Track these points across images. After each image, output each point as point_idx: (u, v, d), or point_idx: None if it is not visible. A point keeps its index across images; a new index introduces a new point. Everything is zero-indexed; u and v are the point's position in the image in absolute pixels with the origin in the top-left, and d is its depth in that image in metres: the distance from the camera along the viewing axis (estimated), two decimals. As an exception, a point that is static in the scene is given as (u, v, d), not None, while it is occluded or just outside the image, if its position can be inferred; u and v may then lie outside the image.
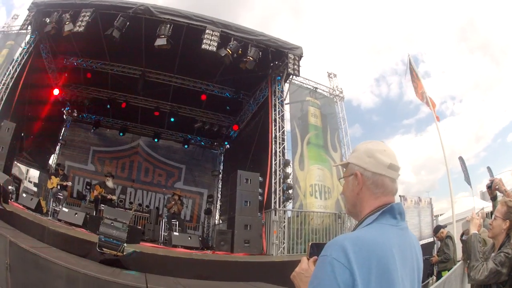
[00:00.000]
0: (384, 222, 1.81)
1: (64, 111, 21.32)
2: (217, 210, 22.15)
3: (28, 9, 13.74)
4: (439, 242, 11.39)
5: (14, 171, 15.70)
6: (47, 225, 8.13)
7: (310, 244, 2.02)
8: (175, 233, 12.45)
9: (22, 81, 14.00)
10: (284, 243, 11.88)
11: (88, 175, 21.18)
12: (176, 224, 14.20)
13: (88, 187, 19.34)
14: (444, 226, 11.31)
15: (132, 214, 15.82)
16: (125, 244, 6.80)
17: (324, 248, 1.69)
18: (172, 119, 19.88)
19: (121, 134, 21.57)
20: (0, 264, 5.32)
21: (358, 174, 1.94)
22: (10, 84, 13.49)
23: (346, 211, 2.06)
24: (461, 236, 6.73)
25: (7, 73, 13.66)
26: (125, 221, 7.35)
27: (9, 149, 12.19)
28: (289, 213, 12.70)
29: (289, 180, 12.97)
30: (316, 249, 1.96)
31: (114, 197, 14.57)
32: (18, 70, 13.74)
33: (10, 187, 8.33)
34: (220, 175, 22.70)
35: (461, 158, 21.41)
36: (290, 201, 12.79)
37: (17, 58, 13.99)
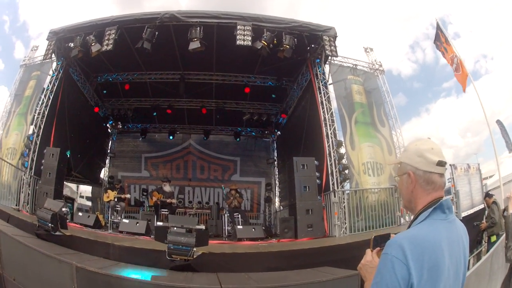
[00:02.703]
0: (435, 218, 2.02)
1: (108, 125, 21.83)
2: (277, 197, 22.16)
3: (47, 39, 13.93)
4: (487, 209, 11.63)
5: (66, 191, 16.09)
6: (111, 241, 8.33)
7: (373, 237, 2.23)
8: (239, 227, 12.65)
9: (58, 106, 14.37)
10: (345, 223, 11.85)
11: (144, 181, 21.75)
12: (238, 217, 14.24)
13: (145, 193, 19.76)
14: (492, 195, 11.60)
15: (195, 213, 16.11)
16: (194, 249, 6.93)
17: (386, 247, 1.95)
18: (218, 116, 20.08)
19: (170, 137, 21.87)
20: None
21: (411, 174, 2.14)
22: (46, 112, 13.80)
23: (402, 206, 2.24)
24: (503, 211, 6.69)
25: (40, 103, 13.93)
26: (192, 227, 7.52)
27: (57, 174, 12.53)
28: (347, 193, 12.68)
29: (344, 161, 12.91)
30: (379, 241, 2.19)
31: (174, 201, 14.81)
32: (51, 98, 14.03)
33: (64, 209, 8.56)
34: (275, 162, 22.64)
35: (499, 122, 20.79)
36: (347, 181, 12.76)
37: (48, 86, 14.25)
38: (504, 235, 6.47)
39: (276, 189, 22.32)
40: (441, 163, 2.11)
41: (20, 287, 6.10)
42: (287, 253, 8.66)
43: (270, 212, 22.16)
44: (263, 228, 14.05)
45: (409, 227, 2.14)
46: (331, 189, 12.36)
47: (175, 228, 7.37)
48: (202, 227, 10.74)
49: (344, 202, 12.13)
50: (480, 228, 11.32)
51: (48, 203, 8.50)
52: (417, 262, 1.83)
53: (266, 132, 22.74)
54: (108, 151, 22.17)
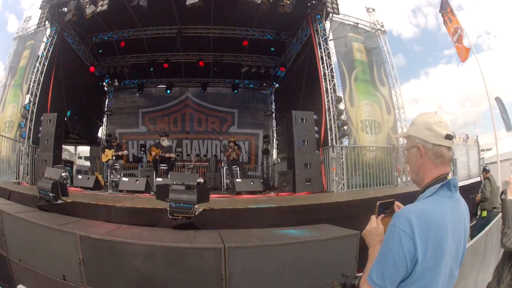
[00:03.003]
0: (442, 195, 2.07)
1: (104, 83, 21.74)
2: (275, 149, 22.33)
3: (40, 8, 13.78)
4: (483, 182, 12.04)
5: (64, 155, 16.34)
6: (113, 203, 8.28)
7: (378, 203, 2.24)
8: (237, 180, 12.65)
9: (53, 71, 14.30)
10: (343, 179, 12.02)
11: (141, 137, 21.83)
12: (237, 170, 14.27)
13: (143, 149, 19.83)
14: (489, 170, 12.02)
15: (194, 166, 16.10)
16: (196, 206, 6.90)
17: (393, 218, 2.01)
18: (215, 68, 19.94)
19: (168, 91, 21.78)
20: (72, 262, 5.49)
21: (420, 147, 2.17)
22: (42, 80, 13.73)
23: (410, 179, 2.30)
24: (501, 194, 6.82)
25: (35, 71, 13.87)
26: (193, 183, 7.48)
27: (55, 139, 12.58)
28: (345, 149, 12.75)
29: (343, 117, 12.94)
30: (383, 208, 2.25)
31: (173, 155, 14.74)
32: (46, 64, 13.94)
33: (63, 174, 8.46)
34: (273, 114, 22.69)
35: (498, 99, 20.77)
36: (346, 137, 12.83)
37: (42, 53, 14.13)
38: (499, 216, 6.53)
39: (274, 141, 22.43)
40: (449, 137, 2.14)
41: (26, 266, 6.15)
42: (286, 209, 8.67)
43: (268, 164, 22.36)
44: (261, 181, 14.06)
45: (415, 199, 2.17)
46: (329, 144, 12.40)
47: (179, 187, 7.31)
48: (201, 180, 10.77)
49: (342, 158, 12.24)
50: (475, 201, 11.64)
51: (48, 172, 8.40)
52: (423, 238, 1.89)
53: (264, 84, 22.58)
54: (105, 109, 22.14)
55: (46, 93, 13.99)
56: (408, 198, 2.15)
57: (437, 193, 2.07)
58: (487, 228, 6.13)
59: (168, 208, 6.91)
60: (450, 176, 2.16)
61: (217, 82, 22.50)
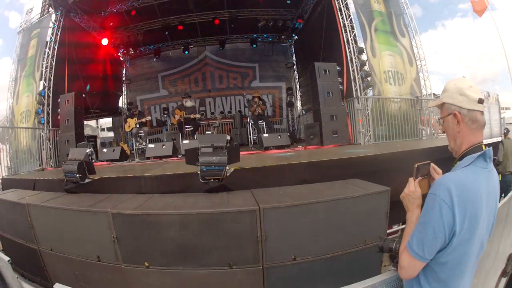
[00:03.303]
0: (479, 165, 2.11)
1: (119, 54, 21.66)
2: (299, 101, 22.24)
3: None
4: None
5: (86, 131, 16.33)
6: (141, 173, 8.08)
7: (416, 166, 2.29)
8: (265, 135, 12.61)
9: (66, 53, 14.35)
10: (369, 131, 11.98)
11: (163, 100, 21.85)
12: (263, 124, 14.23)
13: (166, 112, 19.87)
14: (507, 133, 12.16)
15: (219, 124, 16.03)
16: (227, 167, 6.76)
17: (433, 186, 2.08)
18: (232, 25, 19.66)
19: (185, 52, 21.57)
20: (106, 240, 5.45)
21: (457, 114, 2.18)
22: (54, 64, 13.76)
23: (449, 148, 2.30)
24: None
25: (45, 56, 13.86)
26: (223, 144, 7.37)
27: (75, 118, 12.54)
28: (370, 101, 12.63)
29: (366, 68, 12.72)
30: (420, 170, 2.30)
31: (197, 115, 14.56)
32: (56, 48, 13.96)
33: (88, 150, 8.31)
34: (295, 66, 22.42)
35: None
36: (370, 88, 12.68)
37: (50, 38, 14.12)
38: None
39: (298, 93, 22.32)
40: (481, 101, 2.15)
41: (58, 254, 6.16)
42: (317, 165, 8.53)
43: (293, 117, 22.31)
44: (288, 134, 13.98)
45: (452, 166, 2.22)
46: (354, 96, 12.29)
47: (205, 149, 7.19)
48: (228, 137, 10.70)
49: (367, 110, 12.15)
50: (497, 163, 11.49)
51: (72, 153, 8.25)
52: (462, 210, 1.94)
53: (283, 37, 22.22)
54: (123, 78, 22.23)
55: (62, 75, 14.12)
56: (437, 154, 2.17)
57: (474, 163, 2.10)
58: (509, 194, 6.05)
59: (199, 172, 6.77)
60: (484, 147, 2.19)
61: (234, 38, 22.18)
